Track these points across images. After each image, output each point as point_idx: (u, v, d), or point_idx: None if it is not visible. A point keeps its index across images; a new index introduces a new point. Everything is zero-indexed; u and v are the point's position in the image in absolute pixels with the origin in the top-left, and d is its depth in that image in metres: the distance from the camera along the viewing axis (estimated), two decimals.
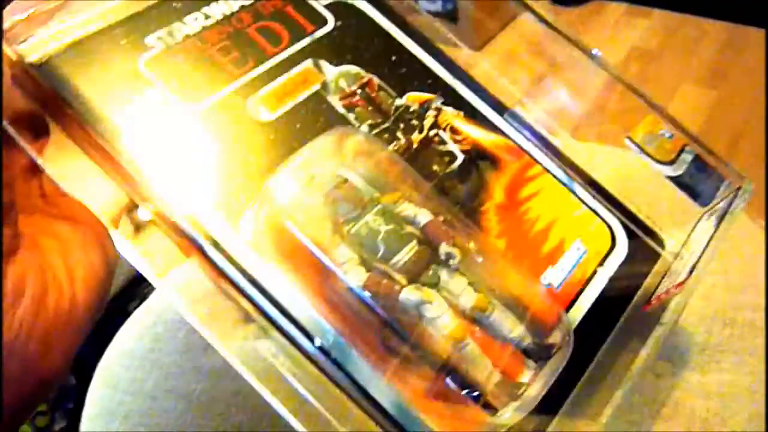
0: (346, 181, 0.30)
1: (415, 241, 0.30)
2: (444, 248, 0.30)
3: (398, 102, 0.38)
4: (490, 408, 0.28)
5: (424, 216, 0.31)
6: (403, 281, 0.29)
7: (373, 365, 0.29)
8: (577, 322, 0.34)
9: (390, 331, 0.29)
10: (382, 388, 0.29)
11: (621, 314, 0.35)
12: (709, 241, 0.33)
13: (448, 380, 0.29)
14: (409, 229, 0.30)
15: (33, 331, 0.24)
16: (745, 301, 0.46)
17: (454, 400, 0.28)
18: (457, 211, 0.34)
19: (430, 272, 0.30)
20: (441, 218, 0.31)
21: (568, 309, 0.35)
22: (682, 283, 0.31)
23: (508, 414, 0.28)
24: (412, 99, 0.38)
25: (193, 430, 0.41)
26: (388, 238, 0.30)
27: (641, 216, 0.39)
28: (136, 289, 0.68)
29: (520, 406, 0.28)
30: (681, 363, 0.42)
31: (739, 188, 0.36)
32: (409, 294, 0.29)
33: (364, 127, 0.36)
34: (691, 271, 0.31)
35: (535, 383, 0.29)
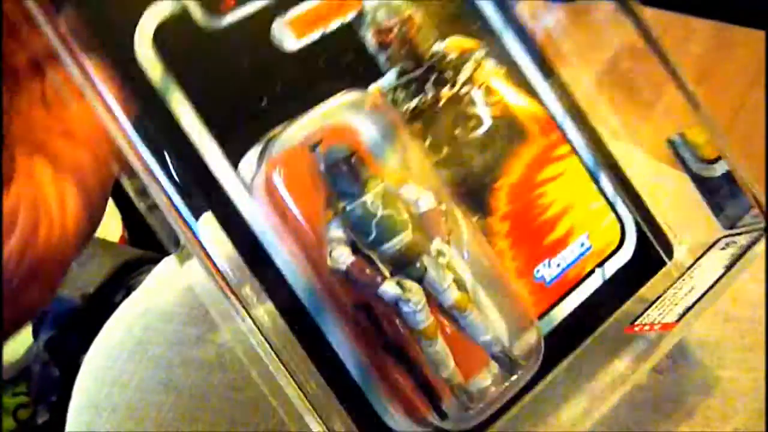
0: (353, 155, 0.29)
1: (409, 230, 0.29)
2: (437, 244, 0.29)
3: (436, 48, 0.35)
4: (440, 413, 0.29)
5: (426, 202, 0.30)
6: (387, 271, 0.29)
7: (345, 336, 0.30)
8: (557, 322, 0.34)
9: (364, 315, 0.29)
10: (350, 352, 0.30)
11: (601, 323, 0.34)
12: (712, 286, 0.31)
13: (409, 376, 0.29)
14: (407, 215, 0.29)
15: (20, 265, 0.24)
16: (746, 297, 0.45)
17: (410, 395, 0.29)
18: (466, 189, 0.33)
19: (418, 264, 0.29)
20: (443, 206, 0.30)
21: (553, 306, 0.34)
22: (670, 325, 0.30)
23: (455, 422, 0.29)
24: (453, 46, 0.35)
25: (185, 425, 0.39)
26: (383, 224, 0.29)
27: (658, 218, 0.37)
28: (122, 279, 0.64)
29: (472, 416, 0.29)
30: (682, 359, 0.42)
31: (766, 229, 0.34)
32: (388, 288, 0.28)
33: (392, 73, 0.33)
34: (682, 316, 0.30)
35: (492, 391, 0.30)
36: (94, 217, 0.28)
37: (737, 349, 0.42)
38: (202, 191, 0.29)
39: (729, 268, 0.32)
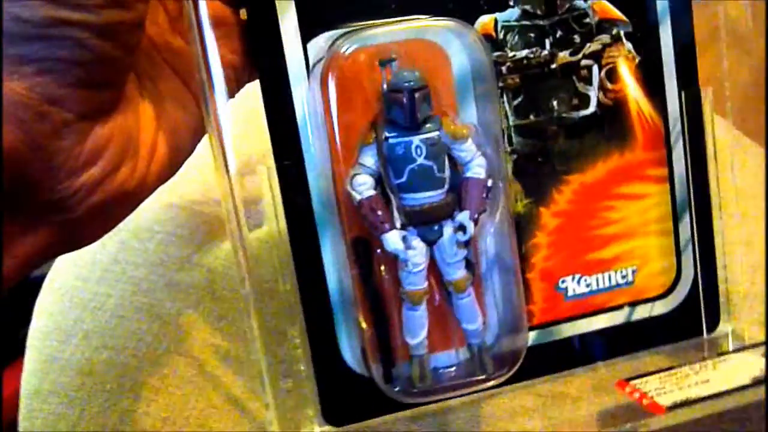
0: (421, 89, 0.25)
1: (442, 191, 0.26)
2: (462, 217, 0.26)
3: (578, 3, 0.30)
4: (387, 375, 0.28)
5: (476, 168, 0.27)
6: (398, 223, 0.26)
7: (337, 258, 0.28)
8: (556, 338, 0.31)
9: (362, 249, 0.27)
10: (336, 275, 0.29)
11: (596, 361, 0.32)
12: (724, 393, 0.28)
13: (376, 326, 0.28)
14: (447, 174, 0.26)
15: (87, 199, 0.23)
16: None
17: (369, 342, 0.28)
18: (534, 168, 0.30)
19: (436, 228, 0.27)
20: (490, 182, 0.27)
21: (561, 322, 0.31)
22: (658, 408, 0.28)
23: (398, 392, 0.28)
24: (598, 8, 0.30)
25: (170, 356, 0.34)
26: (417, 174, 0.26)
27: (721, 285, 0.33)
28: None
29: (415, 393, 0.28)
30: None
31: None
32: (392, 240, 0.26)
33: (517, 10, 0.29)
34: (675, 407, 0.27)
35: (449, 374, 0.28)
36: (172, 172, 0.26)
37: None
38: (263, 57, 0.27)
39: (755, 384, 0.28)
